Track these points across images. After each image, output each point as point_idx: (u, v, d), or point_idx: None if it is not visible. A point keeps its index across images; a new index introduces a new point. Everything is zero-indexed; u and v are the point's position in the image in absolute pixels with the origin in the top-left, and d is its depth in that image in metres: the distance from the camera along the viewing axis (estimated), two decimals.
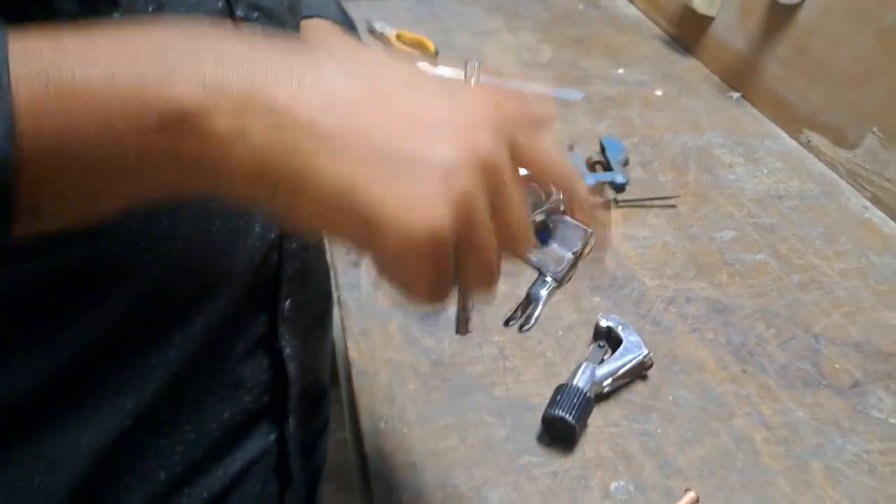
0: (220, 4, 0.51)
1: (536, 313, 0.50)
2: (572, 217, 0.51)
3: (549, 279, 0.50)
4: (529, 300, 0.50)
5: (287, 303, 0.62)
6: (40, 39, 0.34)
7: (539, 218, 0.50)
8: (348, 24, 0.73)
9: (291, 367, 0.64)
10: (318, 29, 0.69)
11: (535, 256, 0.49)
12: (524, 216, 0.40)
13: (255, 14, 0.54)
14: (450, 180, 0.35)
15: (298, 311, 0.65)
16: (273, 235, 0.59)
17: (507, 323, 0.51)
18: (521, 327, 0.49)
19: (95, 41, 0.35)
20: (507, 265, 0.50)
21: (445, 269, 0.38)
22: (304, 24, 0.69)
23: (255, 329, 0.61)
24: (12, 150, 0.32)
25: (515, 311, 0.52)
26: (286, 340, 0.63)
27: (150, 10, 0.46)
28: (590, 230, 0.50)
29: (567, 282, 0.50)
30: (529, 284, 0.51)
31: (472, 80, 0.44)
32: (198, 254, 0.52)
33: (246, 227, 0.56)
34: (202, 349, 0.56)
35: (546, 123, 0.43)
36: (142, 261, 0.50)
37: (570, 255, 0.50)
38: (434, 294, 0.39)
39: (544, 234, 0.51)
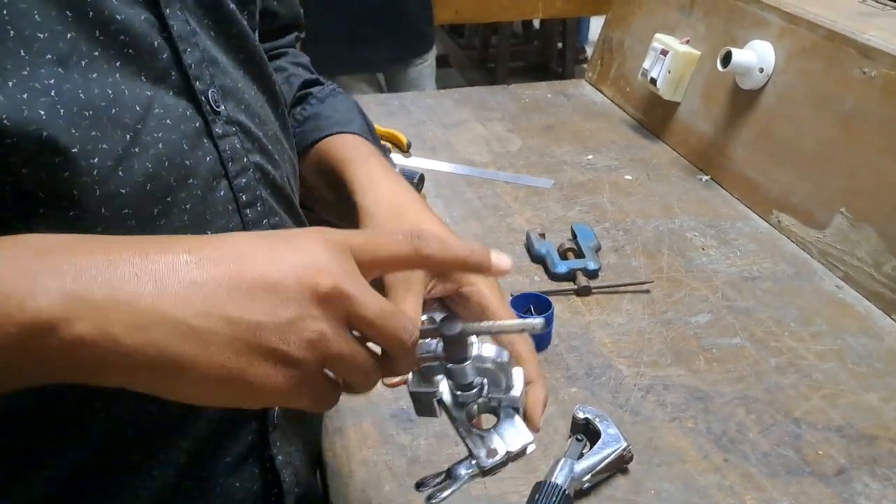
0: (198, 124, 0.52)
1: (448, 493, 0.48)
2: (521, 413, 0.50)
3: (474, 463, 0.48)
4: (449, 475, 0.48)
5: (276, 408, 0.61)
6: None
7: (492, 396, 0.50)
8: (371, 132, 0.74)
9: (286, 475, 0.63)
10: (357, 148, 0.70)
11: (471, 438, 0.48)
12: (381, 314, 0.41)
13: (233, 129, 0.55)
14: (294, 335, 0.39)
15: (290, 416, 0.63)
16: None
17: (418, 486, 0.49)
18: (429, 498, 0.47)
19: None
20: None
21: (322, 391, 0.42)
22: (341, 141, 0.70)
23: (244, 438, 0.60)
24: None
25: (433, 477, 0.49)
26: (278, 447, 0.62)
27: (119, 150, 0.46)
28: (531, 438, 0.49)
29: (492, 475, 0.49)
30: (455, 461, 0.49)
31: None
32: None
33: None
34: (189, 464, 0.55)
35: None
36: (119, 389, 0.50)
37: (503, 454, 0.48)
38: (321, 403, 0.43)
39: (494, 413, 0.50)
